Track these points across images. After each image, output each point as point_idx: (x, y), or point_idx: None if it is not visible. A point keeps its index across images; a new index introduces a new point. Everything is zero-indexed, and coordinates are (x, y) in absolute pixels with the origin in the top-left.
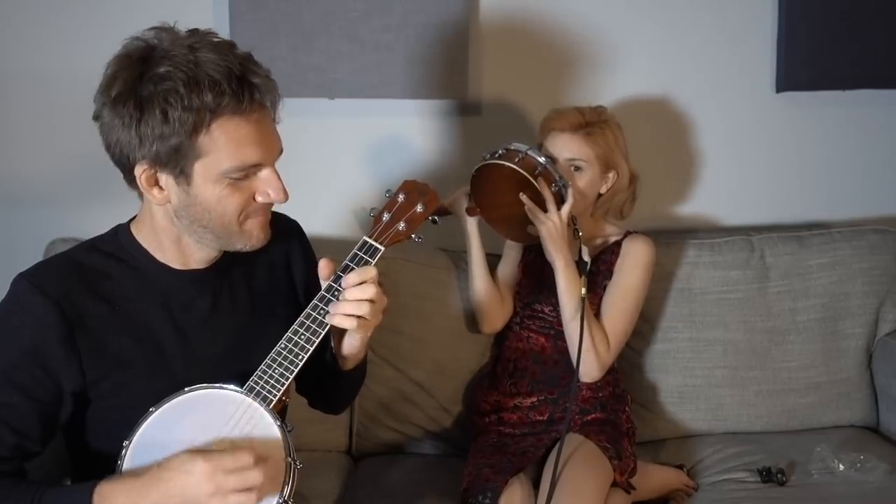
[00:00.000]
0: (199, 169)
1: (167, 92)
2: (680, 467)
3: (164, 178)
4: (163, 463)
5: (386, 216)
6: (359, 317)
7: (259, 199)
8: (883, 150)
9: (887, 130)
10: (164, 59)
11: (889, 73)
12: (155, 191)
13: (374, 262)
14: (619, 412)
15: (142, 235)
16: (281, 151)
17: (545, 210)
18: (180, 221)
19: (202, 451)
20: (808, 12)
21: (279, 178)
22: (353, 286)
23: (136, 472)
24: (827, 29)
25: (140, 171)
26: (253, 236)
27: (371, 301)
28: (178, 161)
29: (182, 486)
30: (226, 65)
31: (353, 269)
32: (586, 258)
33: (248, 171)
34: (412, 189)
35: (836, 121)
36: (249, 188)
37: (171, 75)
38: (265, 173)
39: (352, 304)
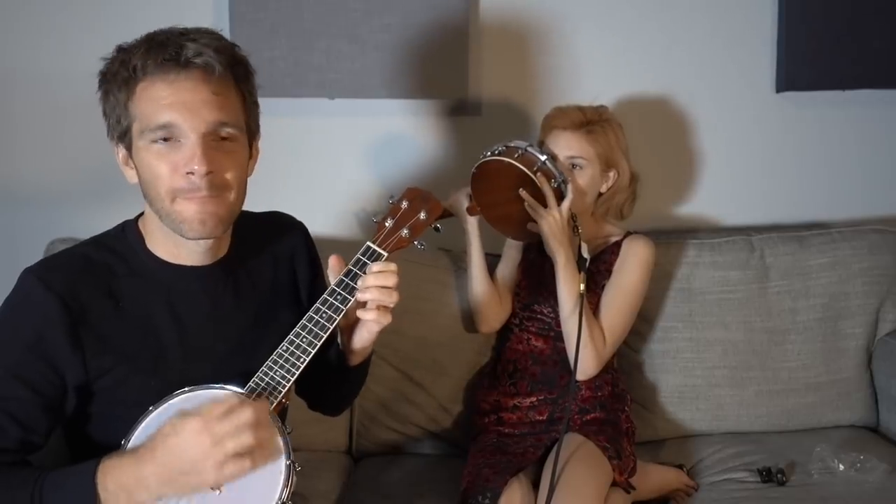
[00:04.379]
0: (134, 137)
1: (108, 68)
2: (680, 467)
3: (126, 156)
4: (156, 433)
5: (389, 222)
6: (380, 307)
7: (182, 170)
8: (883, 150)
9: (887, 130)
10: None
11: (889, 73)
12: (128, 170)
13: None
14: (619, 412)
15: (144, 230)
16: (223, 123)
17: (545, 206)
18: (146, 202)
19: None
20: (808, 12)
21: (200, 145)
22: (377, 272)
23: (135, 448)
24: (827, 29)
25: (116, 151)
26: (186, 219)
27: (393, 288)
28: (124, 133)
29: (179, 446)
30: (163, 35)
31: (357, 273)
32: (586, 255)
33: (168, 136)
34: (415, 196)
35: (836, 121)
36: (175, 158)
37: (115, 56)
38: (186, 139)
39: (376, 290)
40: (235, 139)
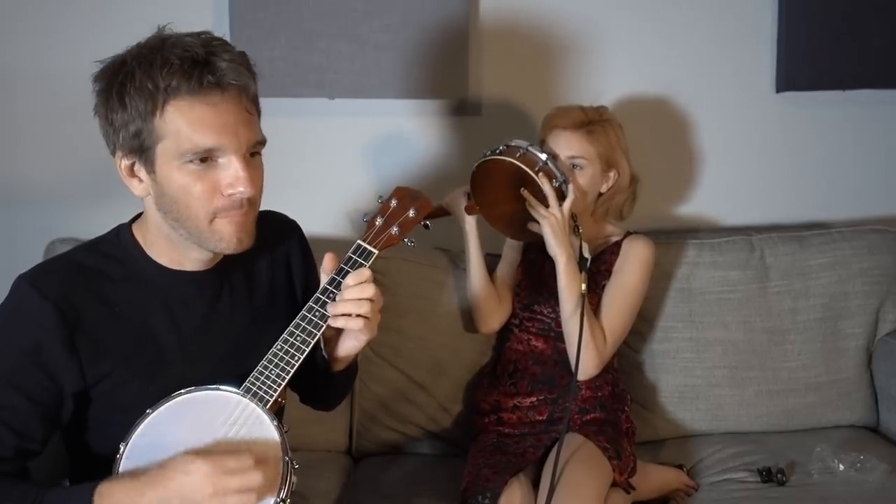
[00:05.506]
0: (161, 154)
1: (125, 77)
2: (680, 467)
3: (138, 168)
4: (163, 463)
5: (379, 221)
6: (360, 316)
7: (226, 192)
8: (883, 150)
9: (887, 130)
10: (135, 47)
11: (889, 73)
12: (134, 182)
13: (368, 265)
14: (619, 412)
15: (140, 235)
16: (258, 143)
17: (546, 206)
18: (161, 215)
19: (202, 453)
20: (808, 12)
21: (244, 167)
22: (351, 287)
23: (136, 473)
24: (827, 29)
25: (119, 163)
26: (224, 238)
27: (370, 300)
28: (142, 147)
29: (181, 486)
30: (188, 48)
31: (348, 271)
32: (586, 254)
33: (206, 156)
34: (404, 195)
35: (836, 121)
36: (213, 178)
37: (130, 61)
38: (226, 161)
39: (353, 304)
40: (260, 153)
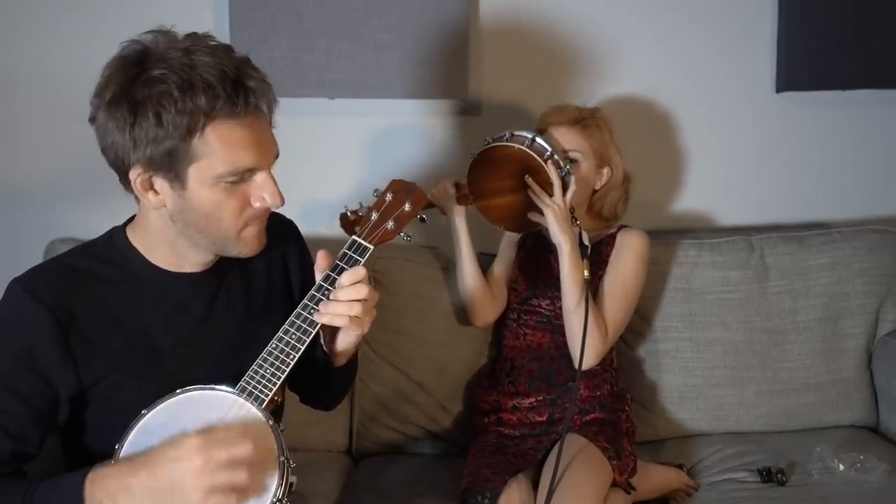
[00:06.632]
0: (194, 173)
1: (161, 94)
2: (680, 467)
3: (159, 182)
4: (155, 446)
5: (374, 215)
6: (352, 316)
7: (255, 204)
8: (883, 150)
9: (887, 130)
10: (159, 61)
11: (889, 73)
12: (150, 195)
13: (363, 261)
14: (619, 412)
15: (136, 238)
16: (277, 155)
17: (550, 195)
18: (176, 225)
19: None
20: (808, 12)
21: (275, 182)
22: (346, 287)
23: (127, 457)
24: (827, 29)
25: (135, 176)
26: (249, 244)
27: (363, 300)
28: (172, 164)
29: (171, 461)
30: (221, 67)
31: (343, 268)
32: (587, 242)
33: (242, 175)
34: (400, 188)
35: (836, 121)
36: (244, 193)
37: (165, 78)
38: (260, 177)
39: (344, 305)
40: None
